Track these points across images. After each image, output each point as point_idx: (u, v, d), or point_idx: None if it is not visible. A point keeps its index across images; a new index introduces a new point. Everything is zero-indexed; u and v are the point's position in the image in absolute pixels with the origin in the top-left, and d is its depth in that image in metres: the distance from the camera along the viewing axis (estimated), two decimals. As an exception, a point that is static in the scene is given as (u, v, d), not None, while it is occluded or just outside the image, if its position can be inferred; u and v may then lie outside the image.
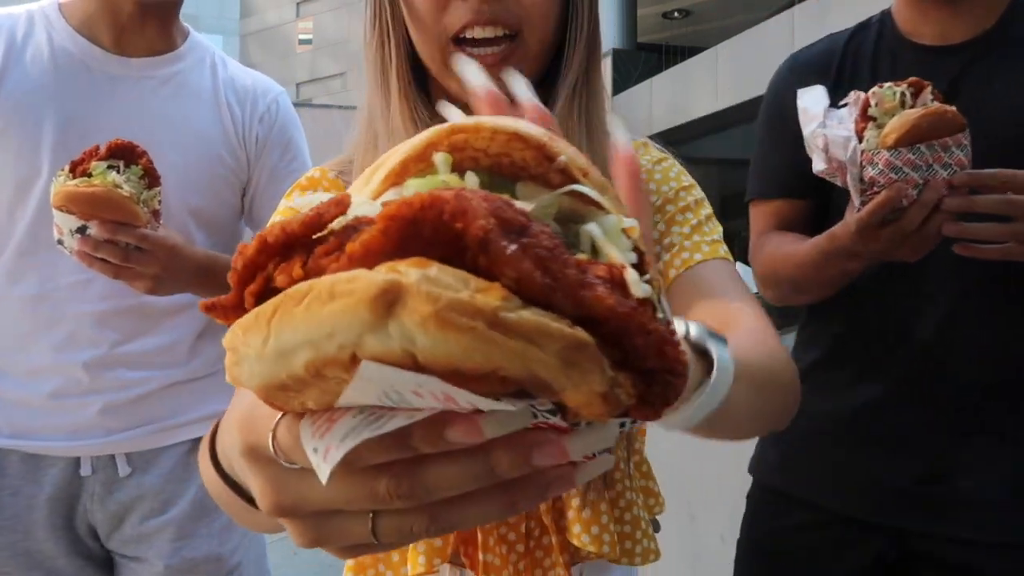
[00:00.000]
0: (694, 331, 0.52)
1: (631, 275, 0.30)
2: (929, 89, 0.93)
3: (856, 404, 1.20)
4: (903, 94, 0.93)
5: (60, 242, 1.06)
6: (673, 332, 0.31)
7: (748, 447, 2.36)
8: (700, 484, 2.39)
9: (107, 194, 1.00)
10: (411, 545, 0.74)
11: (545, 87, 0.76)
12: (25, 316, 1.19)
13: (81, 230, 1.02)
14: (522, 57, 0.74)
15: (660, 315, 0.33)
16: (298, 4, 32.32)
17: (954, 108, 0.91)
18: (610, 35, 13.67)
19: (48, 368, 1.20)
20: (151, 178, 1.06)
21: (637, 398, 0.30)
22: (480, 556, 0.76)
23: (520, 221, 0.29)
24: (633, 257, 0.33)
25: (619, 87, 13.22)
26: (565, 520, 0.76)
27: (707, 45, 11.66)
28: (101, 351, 1.21)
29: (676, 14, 15.83)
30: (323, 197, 0.33)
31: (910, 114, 0.91)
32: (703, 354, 0.51)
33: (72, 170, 1.03)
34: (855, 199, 1.00)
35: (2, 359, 1.21)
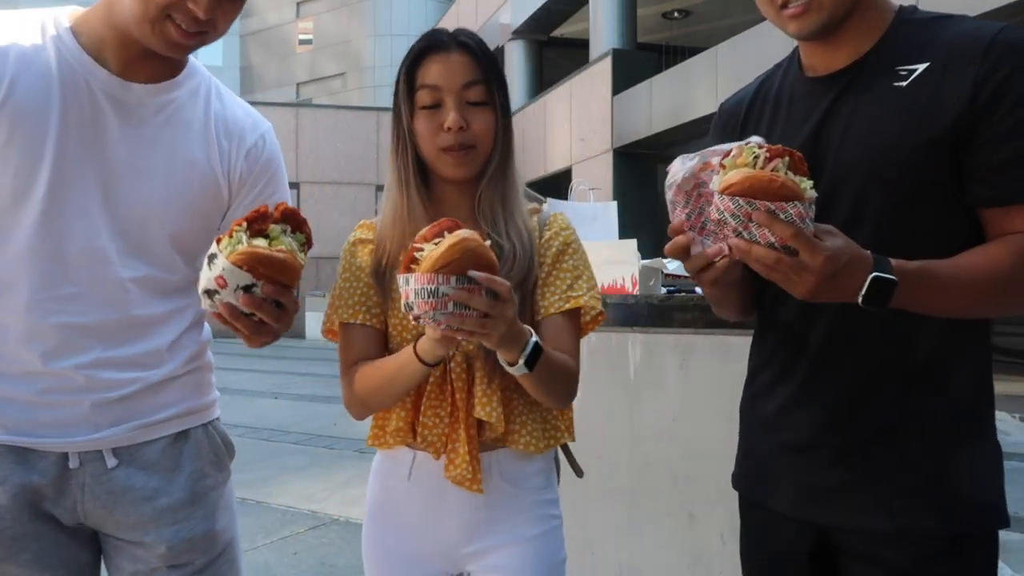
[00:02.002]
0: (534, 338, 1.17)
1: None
2: (784, 160, 1.00)
3: (773, 408, 1.28)
4: (757, 156, 1.00)
5: (208, 292, 1.07)
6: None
7: (748, 447, 2.36)
8: (700, 484, 2.39)
9: (292, 261, 1.06)
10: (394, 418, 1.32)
11: (482, 173, 1.34)
12: (16, 323, 1.21)
13: (248, 288, 1.05)
14: (475, 157, 1.31)
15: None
16: (298, 4, 32.31)
17: (783, 179, 0.98)
18: (610, 35, 13.66)
19: (40, 371, 1.22)
20: (308, 246, 1.12)
21: None
22: (420, 423, 1.30)
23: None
24: None
25: (619, 87, 13.21)
26: (473, 402, 1.28)
27: (707, 45, 11.65)
28: (91, 356, 1.24)
29: (676, 14, 15.82)
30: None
31: (745, 171, 1.00)
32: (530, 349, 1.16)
33: (249, 227, 1.06)
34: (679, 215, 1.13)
35: None
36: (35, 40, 1.22)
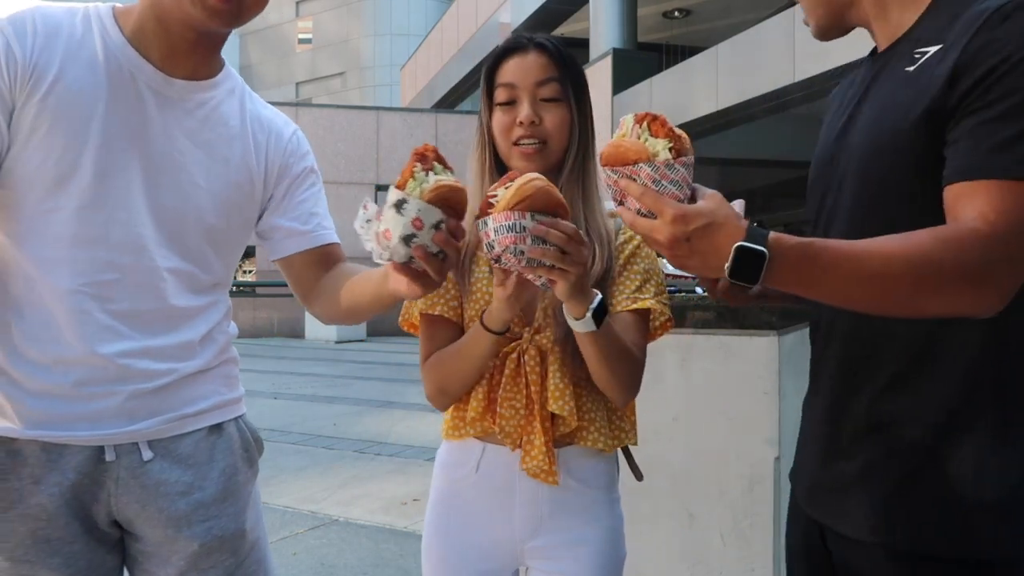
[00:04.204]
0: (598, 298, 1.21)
1: None
2: (643, 126, 1.02)
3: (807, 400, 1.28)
4: (629, 125, 1.04)
5: (405, 238, 1.06)
6: None
7: (748, 450, 2.36)
8: (700, 484, 2.39)
9: (465, 190, 1.10)
10: (470, 409, 1.36)
11: (560, 168, 1.37)
12: (56, 308, 1.21)
13: (437, 225, 1.07)
14: (547, 152, 1.35)
15: None
16: (298, 4, 32.31)
17: (627, 144, 1.00)
18: (610, 35, 13.66)
19: (76, 359, 1.21)
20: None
21: None
22: (498, 414, 1.33)
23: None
24: None
25: (619, 87, 13.22)
26: (546, 395, 1.31)
27: (707, 45, 11.65)
28: (128, 345, 1.24)
29: (676, 14, 15.82)
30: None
31: (609, 142, 1.04)
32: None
33: (421, 163, 1.09)
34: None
35: (31, 348, 1.21)
36: (82, 30, 1.24)
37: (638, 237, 1.37)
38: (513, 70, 1.35)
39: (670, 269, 2.87)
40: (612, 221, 1.40)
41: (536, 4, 15.86)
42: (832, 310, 1.16)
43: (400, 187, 1.07)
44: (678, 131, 1.02)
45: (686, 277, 2.88)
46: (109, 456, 1.24)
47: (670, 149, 0.99)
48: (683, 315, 2.38)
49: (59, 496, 1.21)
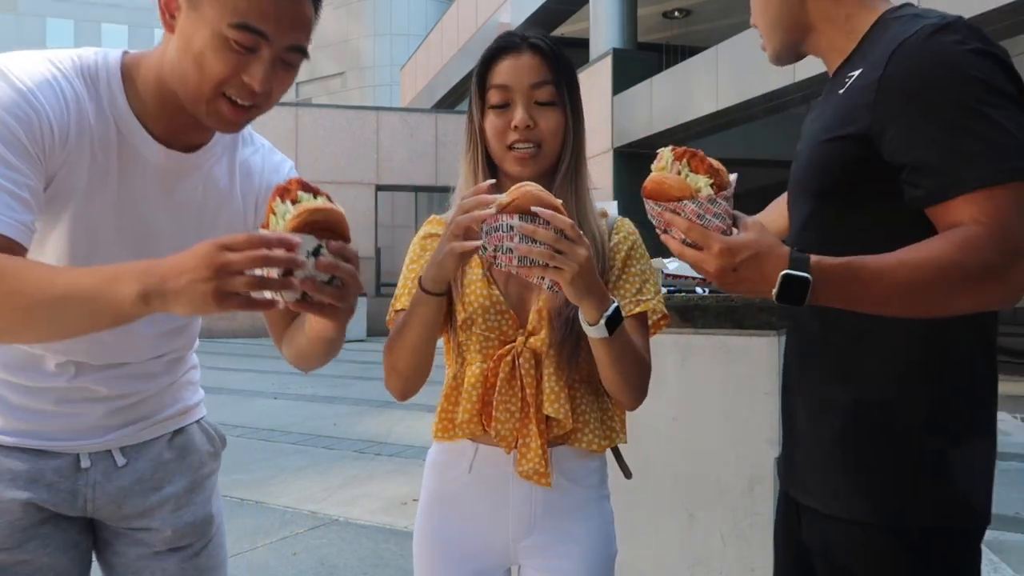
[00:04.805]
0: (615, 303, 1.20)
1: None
2: (683, 162, 1.07)
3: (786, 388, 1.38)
4: (667, 160, 1.09)
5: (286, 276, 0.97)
6: None
7: (747, 449, 2.36)
8: (700, 484, 2.39)
9: (339, 211, 1.01)
10: (461, 411, 1.34)
11: (554, 172, 1.37)
12: (38, 349, 1.25)
13: (316, 252, 0.98)
14: (541, 157, 1.34)
15: None
16: (298, 4, 32.20)
17: (670, 180, 1.06)
18: (610, 35, 13.65)
19: (58, 385, 1.27)
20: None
21: None
22: (493, 417, 1.32)
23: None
24: None
25: (619, 87, 13.21)
26: (541, 398, 1.32)
27: (707, 45, 11.64)
28: (109, 373, 1.30)
29: (676, 14, 15.81)
30: None
31: (652, 176, 1.10)
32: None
33: (281, 196, 1.02)
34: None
35: (13, 376, 1.26)
36: (89, 96, 1.17)
37: (632, 237, 1.41)
38: (507, 71, 1.33)
39: (670, 269, 2.87)
40: (604, 221, 1.40)
41: (536, 4, 15.85)
42: (813, 315, 1.25)
43: (264, 227, 1.00)
44: (717, 164, 1.08)
45: (686, 277, 2.88)
46: (84, 463, 1.31)
47: (711, 185, 1.06)
48: (683, 315, 2.38)
49: (36, 493, 1.26)
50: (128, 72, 1.21)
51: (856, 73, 1.16)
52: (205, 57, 1.10)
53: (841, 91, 1.18)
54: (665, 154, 1.10)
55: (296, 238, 0.94)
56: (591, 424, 1.35)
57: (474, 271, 1.36)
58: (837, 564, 1.19)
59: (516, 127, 1.32)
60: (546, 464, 1.31)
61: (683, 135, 12.11)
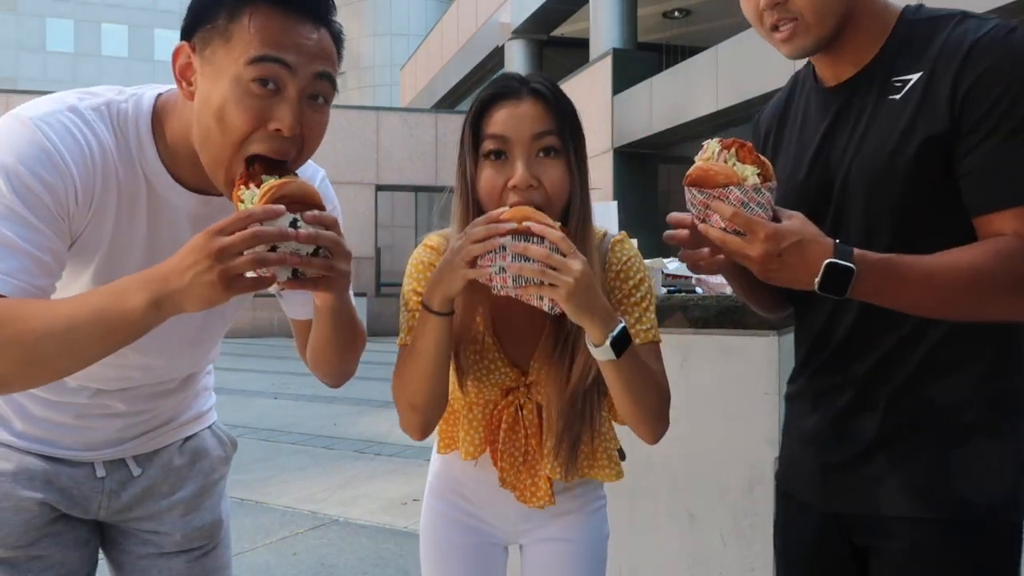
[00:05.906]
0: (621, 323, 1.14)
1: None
2: (731, 152, 1.09)
3: (793, 399, 1.35)
4: (714, 150, 1.10)
5: (270, 253, 0.96)
6: None
7: (748, 450, 2.36)
8: (700, 484, 2.39)
9: (305, 183, 1.01)
10: (462, 441, 1.35)
11: (562, 218, 1.23)
12: (78, 375, 1.24)
13: (294, 225, 0.96)
14: (549, 211, 1.18)
15: None
16: (298, 4, 32.20)
17: (718, 168, 1.07)
18: (610, 35, 13.65)
19: (80, 401, 1.28)
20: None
21: None
22: (499, 448, 1.32)
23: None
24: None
25: (619, 87, 13.21)
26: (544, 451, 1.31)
27: (707, 45, 11.64)
28: (136, 390, 1.31)
29: (676, 14, 15.81)
30: None
31: (697, 164, 1.11)
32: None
33: (247, 184, 1.01)
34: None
35: (38, 390, 1.25)
36: (114, 148, 1.10)
37: (634, 262, 1.31)
38: (505, 121, 1.19)
39: (670, 269, 2.87)
40: (598, 252, 1.30)
41: (536, 4, 15.84)
42: (830, 312, 1.23)
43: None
44: (763, 158, 1.09)
45: (686, 277, 2.87)
46: (100, 472, 1.33)
47: (758, 175, 1.07)
48: (683, 315, 2.38)
49: (49, 495, 1.28)
50: (159, 116, 1.14)
51: (914, 78, 1.13)
52: (226, 111, 1.02)
53: (896, 96, 1.14)
54: (711, 145, 1.10)
55: (279, 206, 0.95)
56: (601, 460, 1.35)
57: (477, 328, 1.30)
58: (927, 569, 1.16)
59: (516, 187, 1.18)
60: (552, 495, 1.34)
61: (683, 135, 12.11)
